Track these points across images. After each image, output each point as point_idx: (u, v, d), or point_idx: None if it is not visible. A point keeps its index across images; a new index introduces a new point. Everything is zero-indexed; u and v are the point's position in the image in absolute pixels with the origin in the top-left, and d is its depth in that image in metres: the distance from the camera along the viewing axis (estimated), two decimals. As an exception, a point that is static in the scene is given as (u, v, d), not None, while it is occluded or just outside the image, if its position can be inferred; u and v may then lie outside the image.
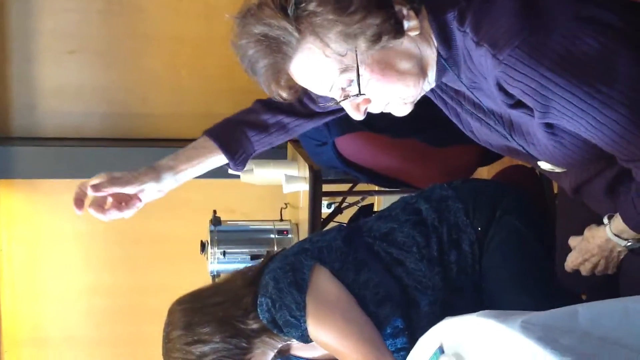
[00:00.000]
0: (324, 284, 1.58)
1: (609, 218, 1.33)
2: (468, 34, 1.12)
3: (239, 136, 1.58)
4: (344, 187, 3.02)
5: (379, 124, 2.22)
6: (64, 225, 3.73)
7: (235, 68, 1.25)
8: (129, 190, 1.48)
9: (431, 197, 1.71)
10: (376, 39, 1.13)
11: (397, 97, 1.21)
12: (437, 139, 2.22)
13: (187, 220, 3.70)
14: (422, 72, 1.20)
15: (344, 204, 3.05)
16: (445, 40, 1.17)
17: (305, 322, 1.54)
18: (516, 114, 1.19)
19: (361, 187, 3.03)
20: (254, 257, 2.95)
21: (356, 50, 1.13)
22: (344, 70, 1.15)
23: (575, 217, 1.52)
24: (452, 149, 2.27)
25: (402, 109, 1.24)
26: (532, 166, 1.96)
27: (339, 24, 1.11)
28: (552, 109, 1.08)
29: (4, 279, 3.72)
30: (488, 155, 2.36)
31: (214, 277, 3.03)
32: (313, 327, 1.54)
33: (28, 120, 3.61)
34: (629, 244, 1.32)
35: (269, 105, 1.59)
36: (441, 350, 1.28)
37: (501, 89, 1.12)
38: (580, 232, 1.46)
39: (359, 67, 1.15)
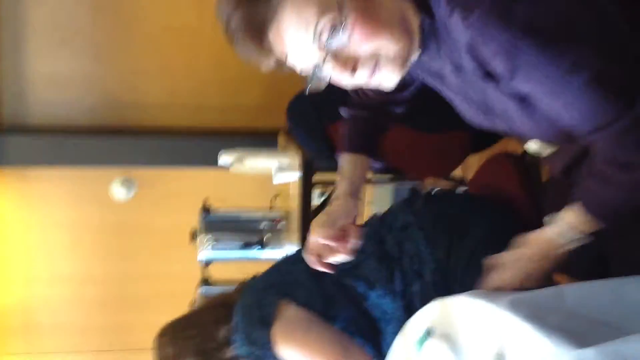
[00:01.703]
0: (288, 314, 1.62)
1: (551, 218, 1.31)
2: (442, 1, 1.13)
3: (371, 137, 1.68)
4: (336, 175, 3.02)
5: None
6: (54, 213, 3.73)
7: (227, 58, 1.25)
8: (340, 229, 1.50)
9: (394, 226, 1.70)
10: None
11: (384, 49, 1.15)
12: (426, 124, 2.21)
13: (178, 209, 3.70)
14: (408, 33, 1.17)
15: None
16: (427, 11, 1.17)
17: (275, 354, 1.59)
18: (489, 91, 1.20)
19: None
20: (245, 245, 2.95)
21: None
22: (325, 10, 1.11)
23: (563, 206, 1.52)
24: (441, 135, 2.27)
25: (390, 71, 1.18)
26: (520, 154, 1.97)
27: None
28: (518, 74, 1.08)
29: (-7, 267, 3.72)
30: (479, 143, 2.37)
31: (204, 265, 3.04)
32: (283, 355, 1.59)
33: (18, 109, 3.59)
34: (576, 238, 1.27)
35: (362, 106, 1.67)
36: (429, 332, 1.29)
37: (472, 56, 1.13)
38: None
39: (341, 5, 1.12)
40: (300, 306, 1.62)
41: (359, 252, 1.64)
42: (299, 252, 1.76)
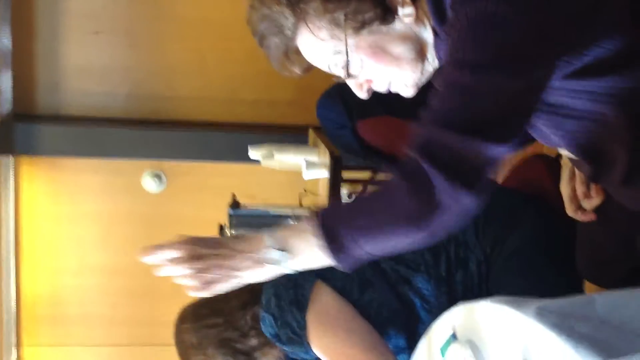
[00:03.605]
0: (324, 300, 1.60)
1: None
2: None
3: None
4: (365, 175, 3.00)
5: (400, 110, 2.20)
6: (84, 204, 3.76)
7: (261, 52, 1.27)
8: None
9: None
10: (362, 24, 1.15)
11: (395, 79, 1.21)
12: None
13: (207, 203, 3.71)
14: (420, 56, 1.20)
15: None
16: (440, 17, 1.16)
17: (307, 339, 1.57)
18: None
19: (382, 175, 3.01)
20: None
21: (345, 35, 1.16)
22: (337, 52, 1.18)
23: (598, 209, 1.48)
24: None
25: (405, 91, 1.24)
26: (555, 156, 1.93)
27: (326, 11, 1.15)
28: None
29: (24, 256, 3.75)
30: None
31: (231, 260, 3.03)
32: (315, 344, 1.57)
33: (52, 99, 3.63)
34: None
35: None
36: (454, 337, 1.26)
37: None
38: (603, 225, 1.42)
39: (350, 51, 1.17)
40: (336, 292, 1.60)
41: None
42: None
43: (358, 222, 1.09)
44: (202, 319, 1.69)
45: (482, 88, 1.01)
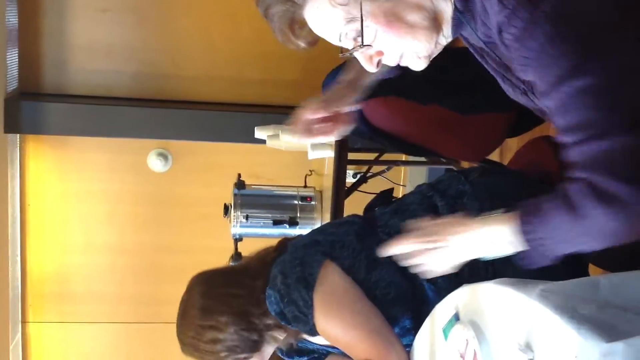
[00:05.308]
0: (331, 279, 1.58)
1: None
2: None
3: None
4: (370, 156, 3.00)
5: (406, 90, 2.18)
6: (91, 182, 3.77)
7: (268, 32, 1.24)
8: (341, 108, 1.60)
9: (447, 192, 1.66)
10: None
11: (408, 50, 1.18)
12: (464, 106, 2.17)
13: (212, 183, 3.71)
14: (435, 26, 1.17)
15: (369, 174, 3.03)
16: None
17: (312, 318, 1.55)
18: None
19: (387, 156, 3.01)
20: (276, 222, 2.95)
21: (361, 1, 1.13)
22: (350, 20, 1.15)
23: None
24: (479, 117, 2.22)
25: (416, 63, 1.21)
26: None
27: None
28: (525, 60, 1.04)
29: (30, 234, 3.77)
30: (517, 126, 2.31)
31: (236, 240, 3.04)
32: (320, 323, 1.55)
33: (58, 77, 3.63)
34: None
35: None
36: (457, 317, 1.26)
37: (500, 37, 1.08)
38: None
39: (364, 18, 1.13)
40: (344, 271, 1.59)
41: (407, 217, 1.61)
42: (342, 218, 1.74)
43: (558, 241, 1.10)
44: (223, 286, 1.68)
45: (609, 75, 0.97)
